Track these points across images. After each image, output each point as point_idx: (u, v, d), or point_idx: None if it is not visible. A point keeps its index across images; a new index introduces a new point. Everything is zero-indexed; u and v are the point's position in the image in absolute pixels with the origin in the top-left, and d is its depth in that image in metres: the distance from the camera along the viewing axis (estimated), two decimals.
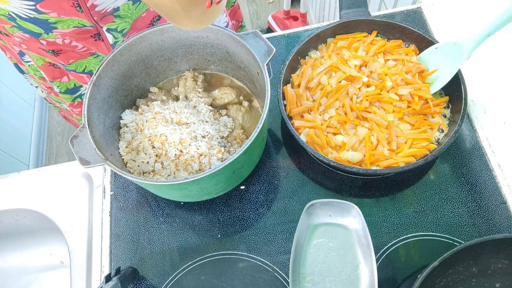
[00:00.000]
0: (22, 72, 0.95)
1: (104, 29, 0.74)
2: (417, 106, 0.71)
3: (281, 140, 0.80)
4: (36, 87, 1.01)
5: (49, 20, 0.68)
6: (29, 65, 0.87)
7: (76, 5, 0.66)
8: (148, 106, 0.75)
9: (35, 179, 0.81)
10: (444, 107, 0.74)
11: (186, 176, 0.67)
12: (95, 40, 0.76)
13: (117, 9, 0.72)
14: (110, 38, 0.76)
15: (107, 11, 0.71)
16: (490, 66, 0.83)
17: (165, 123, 0.71)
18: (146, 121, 0.72)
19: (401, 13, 0.91)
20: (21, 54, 0.83)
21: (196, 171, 0.67)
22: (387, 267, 0.67)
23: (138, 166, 0.69)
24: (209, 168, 0.66)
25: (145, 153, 0.69)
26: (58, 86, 0.87)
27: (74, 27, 0.71)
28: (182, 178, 0.57)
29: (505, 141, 0.75)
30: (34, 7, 0.63)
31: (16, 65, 0.93)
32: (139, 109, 0.75)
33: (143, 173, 0.69)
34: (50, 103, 1.08)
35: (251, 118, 0.77)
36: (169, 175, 0.67)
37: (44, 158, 2.08)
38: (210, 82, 0.81)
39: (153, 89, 0.79)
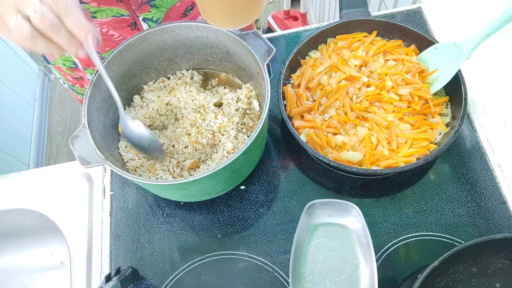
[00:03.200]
0: (48, 62, 0.98)
1: (140, 18, 0.77)
2: (417, 106, 0.71)
3: (281, 140, 0.80)
4: (59, 78, 1.03)
5: (89, 10, 0.71)
6: (60, 55, 0.89)
7: None
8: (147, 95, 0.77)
9: (35, 179, 0.81)
10: (444, 107, 0.74)
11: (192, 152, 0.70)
12: (131, 29, 0.79)
13: None
14: (145, 27, 0.79)
15: (144, 0, 0.73)
16: (490, 66, 0.83)
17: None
18: (156, 110, 0.74)
19: (401, 13, 0.91)
20: None
21: (204, 144, 0.69)
22: (387, 267, 0.67)
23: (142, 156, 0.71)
24: (220, 145, 0.70)
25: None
26: (91, 74, 0.90)
27: (112, 16, 0.74)
28: (182, 178, 0.57)
29: (505, 141, 0.75)
30: None
31: (43, 55, 0.95)
32: (142, 99, 0.77)
33: (146, 160, 0.71)
34: (71, 94, 1.11)
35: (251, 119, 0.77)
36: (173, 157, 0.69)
37: (44, 158, 2.08)
38: (210, 82, 0.81)
39: (146, 87, 0.79)
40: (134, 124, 0.62)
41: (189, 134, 0.72)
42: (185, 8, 0.82)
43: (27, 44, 0.47)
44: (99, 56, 0.55)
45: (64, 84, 1.04)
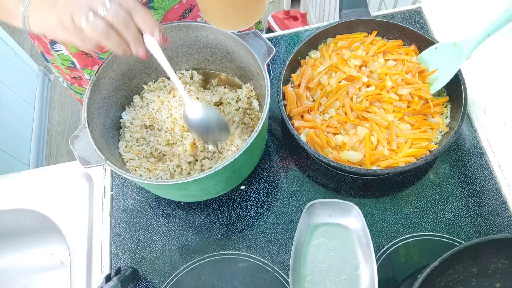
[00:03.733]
0: (47, 61, 0.98)
1: None
2: (417, 106, 0.71)
3: (281, 140, 0.80)
4: (58, 77, 1.03)
5: None
6: (58, 55, 0.89)
7: None
8: (151, 92, 0.77)
9: (35, 179, 0.81)
10: (444, 107, 0.74)
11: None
12: None
13: (151, 0, 0.74)
14: None
15: (142, 2, 0.73)
16: (490, 66, 0.83)
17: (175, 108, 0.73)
18: (156, 110, 0.73)
19: (401, 13, 0.91)
20: (53, 43, 0.85)
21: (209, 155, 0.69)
22: (387, 267, 0.67)
23: (143, 150, 0.71)
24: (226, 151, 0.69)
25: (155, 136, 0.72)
26: (89, 74, 0.90)
27: None
28: (182, 178, 0.57)
29: (505, 141, 0.75)
30: None
31: (42, 53, 0.96)
32: (142, 99, 0.76)
33: (150, 156, 0.71)
34: (71, 93, 1.12)
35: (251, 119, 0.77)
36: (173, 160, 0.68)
37: (44, 158, 2.08)
38: (210, 82, 0.81)
39: (146, 87, 0.79)
40: (195, 109, 0.62)
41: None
42: (183, 10, 0.82)
43: (101, 39, 0.49)
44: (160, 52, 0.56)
45: (63, 83, 1.05)
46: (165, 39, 0.55)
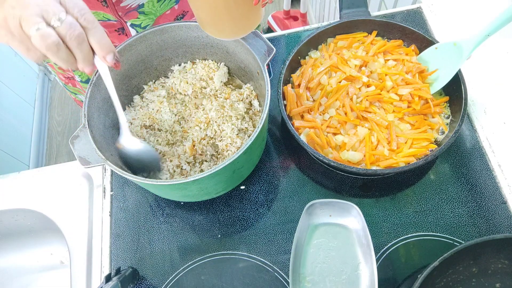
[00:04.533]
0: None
1: (128, 24, 0.77)
2: (417, 106, 0.71)
3: (281, 140, 0.80)
4: (55, 76, 1.03)
5: None
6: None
7: (102, 0, 0.69)
8: (152, 91, 0.77)
9: (35, 179, 0.81)
10: (444, 107, 0.74)
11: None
12: (119, 34, 0.79)
13: (142, 5, 0.74)
14: (133, 33, 0.79)
15: (132, 7, 0.73)
16: (490, 66, 0.83)
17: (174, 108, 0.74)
18: (156, 110, 0.73)
19: (401, 13, 0.91)
20: None
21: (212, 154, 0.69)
22: (387, 267, 0.67)
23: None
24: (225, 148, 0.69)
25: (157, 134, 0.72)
26: (79, 76, 0.90)
27: (99, 20, 0.74)
28: (182, 178, 0.57)
29: (505, 141, 0.75)
30: None
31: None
32: (142, 99, 0.77)
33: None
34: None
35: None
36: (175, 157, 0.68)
37: (44, 158, 2.08)
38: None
39: (146, 87, 0.79)
40: (134, 141, 0.61)
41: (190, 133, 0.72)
42: (175, 16, 0.81)
43: (48, 52, 0.45)
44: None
45: (60, 82, 1.05)
46: (117, 65, 0.51)
